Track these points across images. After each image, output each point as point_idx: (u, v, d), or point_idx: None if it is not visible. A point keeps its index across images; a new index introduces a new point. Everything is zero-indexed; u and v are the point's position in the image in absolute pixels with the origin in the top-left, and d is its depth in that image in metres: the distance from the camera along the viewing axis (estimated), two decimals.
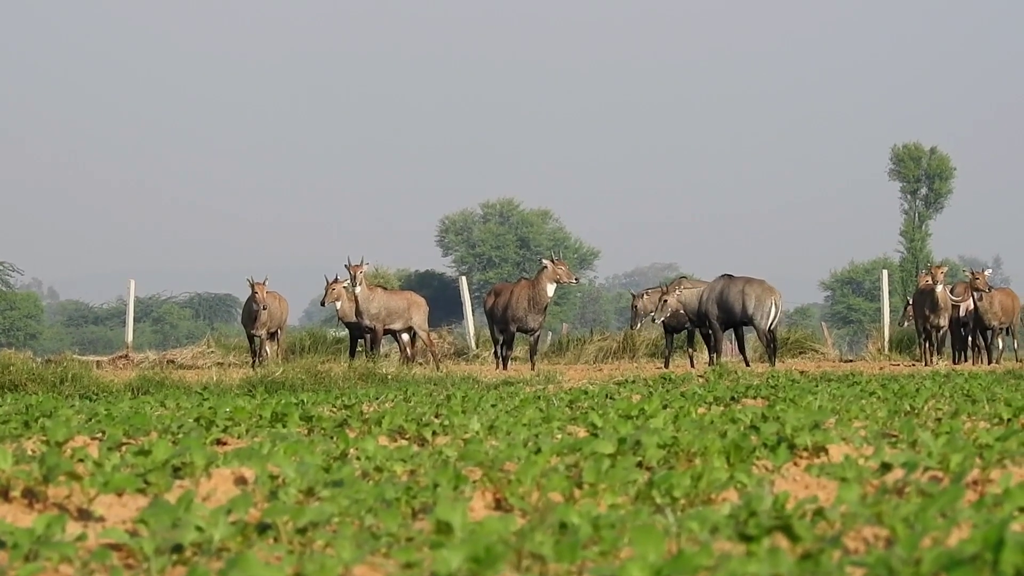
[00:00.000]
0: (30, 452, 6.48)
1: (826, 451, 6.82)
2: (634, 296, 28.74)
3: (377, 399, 12.69)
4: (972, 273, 28.80)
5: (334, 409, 10.75)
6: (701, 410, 9.80)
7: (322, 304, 28.87)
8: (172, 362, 32.22)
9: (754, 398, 12.13)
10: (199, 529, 4.49)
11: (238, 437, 8.24)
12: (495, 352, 28.19)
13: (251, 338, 28.70)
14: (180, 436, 7.75)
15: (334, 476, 5.44)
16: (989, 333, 28.76)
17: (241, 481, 5.87)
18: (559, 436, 7.66)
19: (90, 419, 9.44)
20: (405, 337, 28.07)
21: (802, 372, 20.57)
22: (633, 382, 16.85)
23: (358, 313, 27.37)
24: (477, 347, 34.85)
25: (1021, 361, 28.53)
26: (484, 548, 3.89)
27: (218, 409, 9.38)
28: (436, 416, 9.43)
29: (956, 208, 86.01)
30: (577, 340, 34.99)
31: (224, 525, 4.52)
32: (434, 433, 8.03)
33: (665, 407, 9.70)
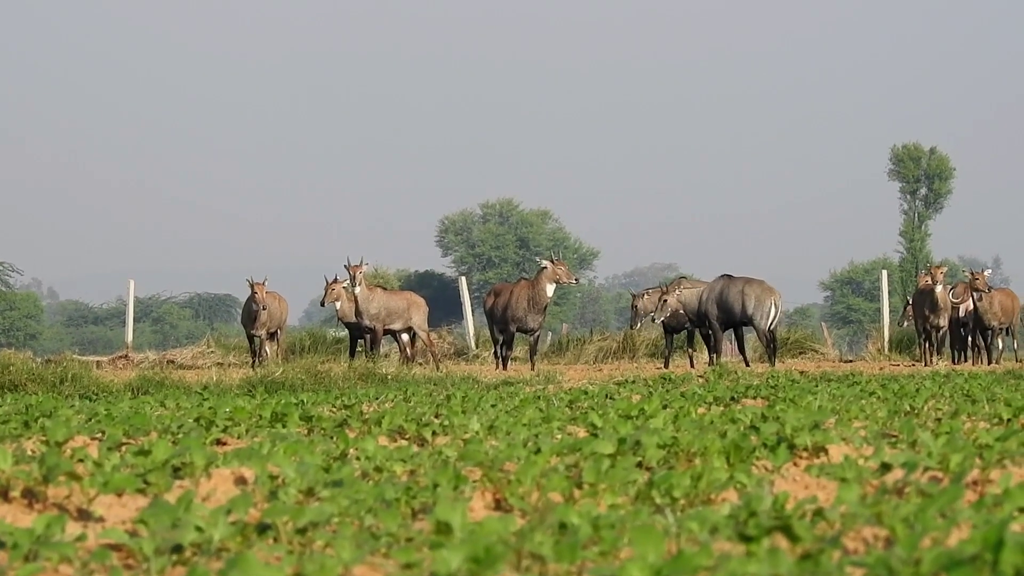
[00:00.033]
0: (30, 452, 6.48)
1: (826, 451, 6.82)
2: (634, 296, 28.74)
3: (377, 399, 12.69)
4: (972, 273, 28.81)
5: (334, 409, 10.75)
6: (701, 410, 9.80)
7: (322, 304, 28.87)
8: (172, 362, 32.22)
9: (754, 398, 12.13)
10: (199, 529, 4.49)
11: (238, 437, 8.24)
12: (495, 352, 28.19)
13: (251, 338, 28.69)
14: (180, 436, 7.75)
15: (334, 476, 5.44)
16: (989, 333, 28.77)
17: (241, 481, 5.87)
18: (559, 436, 7.66)
19: (90, 419, 9.44)
20: (405, 337, 28.07)
21: (802, 372, 20.57)
22: (633, 382, 16.85)
23: (358, 313, 27.37)
24: (477, 347, 34.85)
25: (1021, 361, 28.53)
26: (484, 548, 3.89)
27: (218, 409, 9.38)
28: (436, 416, 9.43)
29: (956, 208, 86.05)
30: (577, 340, 34.99)
31: (224, 525, 4.52)
32: (434, 433, 8.03)
33: (665, 407, 9.69)
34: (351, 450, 6.61)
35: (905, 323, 32.30)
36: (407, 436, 8.18)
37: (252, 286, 28.21)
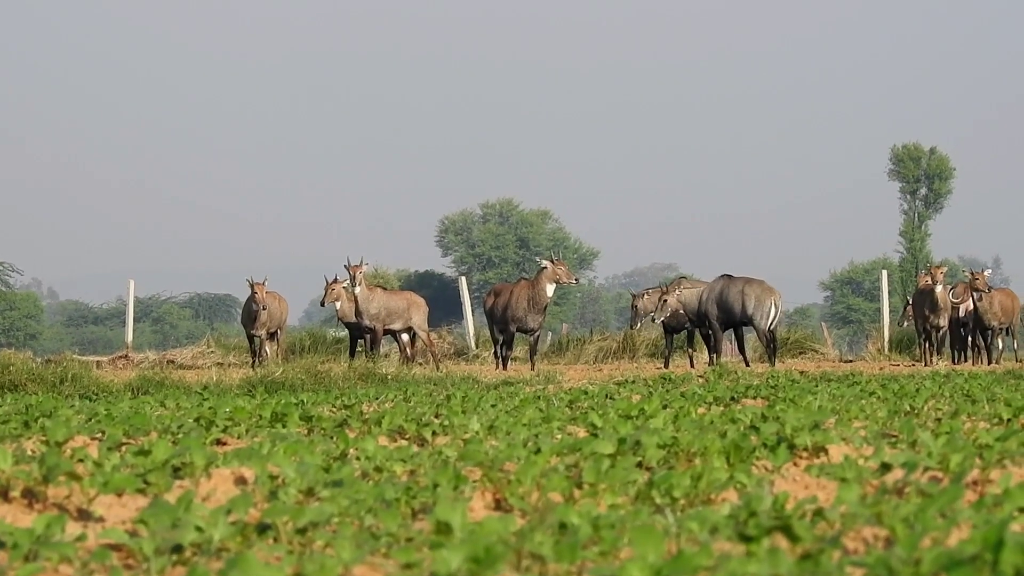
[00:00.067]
0: (30, 452, 6.48)
1: (826, 451, 6.82)
2: (634, 296, 28.73)
3: (377, 399, 12.69)
4: (972, 273, 28.80)
5: (334, 409, 10.75)
6: (701, 410, 9.80)
7: (322, 304, 28.87)
8: (172, 362, 32.22)
9: (754, 398, 12.13)
10: (199, 529, 4.49)
11: (238, 437, 8.24)
12: (495, 352, 28.19)
13: (251, 338, 28.69)
14: (180, 436, 7.75)
15: (334, 476, 5.44)
16: (989, 333, 28.77)
17: (241, 481, 5.87)
18: (559, 436, 7.66)
19: (90, 419, 9.44)
20: (405, 337, 28.07)
21: (802, 372, 20.57)
22: (633, 382, 16.85)
23: (358, 313, 27.37)
24: (477, 347, 34.84)
25: (1021, 361, 28.53)
26: (484, 548, 3.89)
27: (218, 409, 9.38)
28: (436, 416, 9.43)
29: (956, 208, 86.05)
30: (577, 340, 34.99)
31: (224, 525, 4.52)
32: (434, 433, 8.03)
33: (665, 407, 9.69)
34: (351, 450, 6.61)
35: (905, 323, 32.30)
36: (407, 436, 8.18)
37: (252, 286, 28.21)
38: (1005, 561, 3.57)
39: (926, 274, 29.36)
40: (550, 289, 27.37)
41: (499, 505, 5.60)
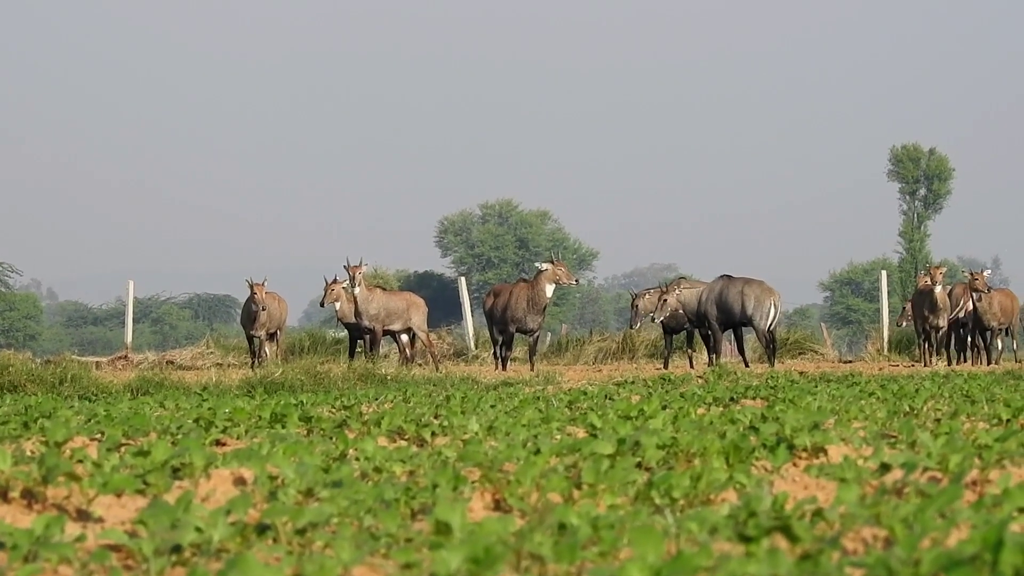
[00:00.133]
0: (29, 453, 6.48)
1: (825, 452, 6.82)
2: (634, 296, 28.73)
3: (376, 400, 12.69)
4: (971, 274, 28.80)
5: (333, 410, 10.75)
6: (700, 411, 9.80)
7: (321, 305, 28.87)
8: (171, 363, 32.22)
9: (753, 399, 12.13)
10: (198, 530, 4.49)
11: (237, 438, 8.24)
12: (494, 353, 28.19)
13: (250, 339, 28.69)
14: (179, 437, 7.75)
15: (333, 477, 5.44)
16: (988, 334, 28.77)
17: (240, 482, 5.87)
18: (558, 437, 7.66)
19: (89, 420, 9.44)
20: (404, 338, 28.07)
21: (801, 373, 20.57)
22: (632, 383, 16.85)
23: (357, 314, 27.37)
24: (476, 348, 34.85)
25: (1020, 362, 28.53)
26: (483, 549, 3.89)
27: (217, 410, 9.38)
28: (435, 417, 9.43)
29: (955, 209, 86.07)
30: (576, 341, 34.99)
31: (223, 526, 4.52)
32: (433, 434, 8.03)
33: (664, 408, 9.70)
34: (350, 451, 6.61)
35: (904, 323, 32.31)
36: (406, 437, 8.18)
37: (251, 287, 28.21)
38: (1004, 561, 3.57)
39: (925, 275, 29.36)
40: (549, 290, 27.37)
41: (498, 505, 5.60)
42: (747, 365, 26.31)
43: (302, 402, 11.54)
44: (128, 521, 5.05)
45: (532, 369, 25.83)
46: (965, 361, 28.77)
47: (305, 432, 8.47)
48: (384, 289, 29.37)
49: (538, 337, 28.70)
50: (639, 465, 6.19)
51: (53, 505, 5.38)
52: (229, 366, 30.56)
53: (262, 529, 4.64)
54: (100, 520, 5.26)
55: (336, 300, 27.87)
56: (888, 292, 36.61)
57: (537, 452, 6.13)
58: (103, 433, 7.84)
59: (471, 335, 35.76)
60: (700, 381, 17.55)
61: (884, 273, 36.69)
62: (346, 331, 29.53)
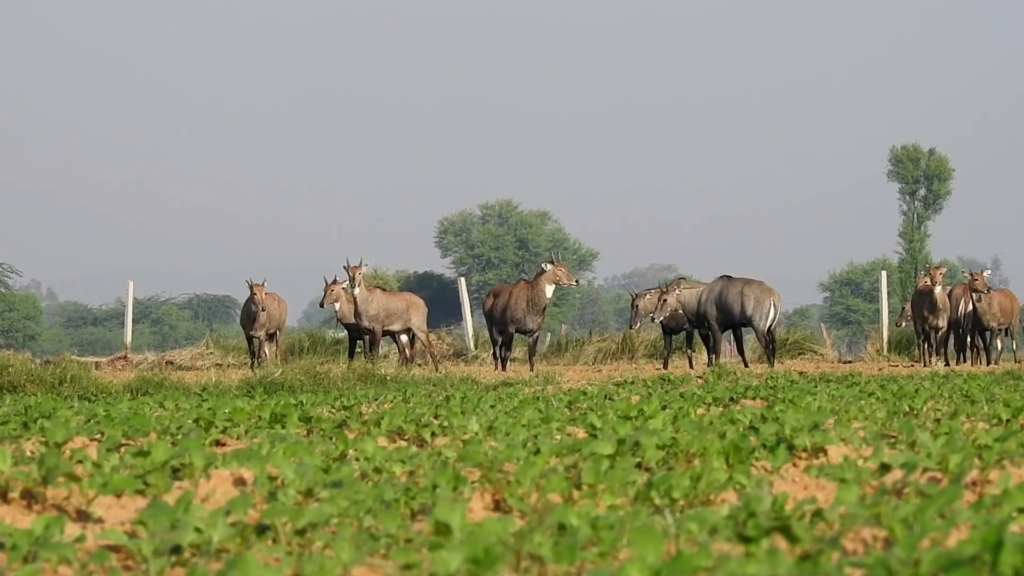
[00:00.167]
0: (29, 453, 6.47)
1: (825, 452, 6.81)
2: (634, 296, 28.73)
3: (376, 400, 12.69)
4: (971, 274, 28.80)
5: (333, 410, 10.75)
6: (700, 411, 9.79)
7: (321, 305, 28.86)
8: (171, 363, 32.21)
9: (753, 399, 12.13)
10: (198, 530, 4.49)
11: (237, 438, 8.24)
12: (494, 353, 28.18)
13: (250, 339, 28.68)
14: (179, 437, 7.75)
15: (333, 477, 5.44)
16: (988, 334, 28.77)
17: (240, 482, 5.87)
18: (558, 437, 7.66)
19: (89, 420, 9.44)
20: (404, 338, 28.06)
21: (801, 373, 20.56)
22: (632, 383, 16.84)
23: (357, 314, 27.37)
24: (476, 348, 34.84)
25: (1020, 362, 28.53)
26: (483, 549, 3.89)
27: (217, 410, 9.38)
28: (435, 417, 9.43)
29: (955, 209, 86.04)
30: (576, 341, 34.99)
31: (223, 526, 4.52)
32: (433, 434, 8.03)
33: (664, 408, 9.69)
34: (350, 451, 6.61)
35: (903, 323, 32.30)
36: (406, 437, 8.18)
37: (251, 287, 28.20)
38: (1004, 562, 3.57)
39: (925, 275, 29.35)
40: (549, 290, 27.36)
41: (498, 506, 5.60)
42: (747, 365, 26.31)
43: (302, 402, 11.54)
44: (128, 522, 5.05)
45: (532, 369, 25.82)
46: (965, 361, 28.76)
47: (305, 432, 8.47)
48: (384, 289, 29.36)
49: (538, 337, 28.69)
50: (639, 465, 6.19)
51: (53, 506, 5.38)
52: (229, 366, 30.54)
53: (262, 529, 4.64)
54: (100, 521, 5.26)
55: (336, 300, 27.87)
56: (888, 292, 36.60)
57: (537, 452, 6.13)
58: (103, 433, 7.84)
59: (471, 335, 35.75)
60: (700, 381, 17.54)
61: (884, 273, 36.68)
62: (346, 331, 29.53)
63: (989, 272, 29.30)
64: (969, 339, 29.26)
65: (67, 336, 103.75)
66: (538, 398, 12.45)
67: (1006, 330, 29.66)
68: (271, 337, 28.85)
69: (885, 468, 5.83)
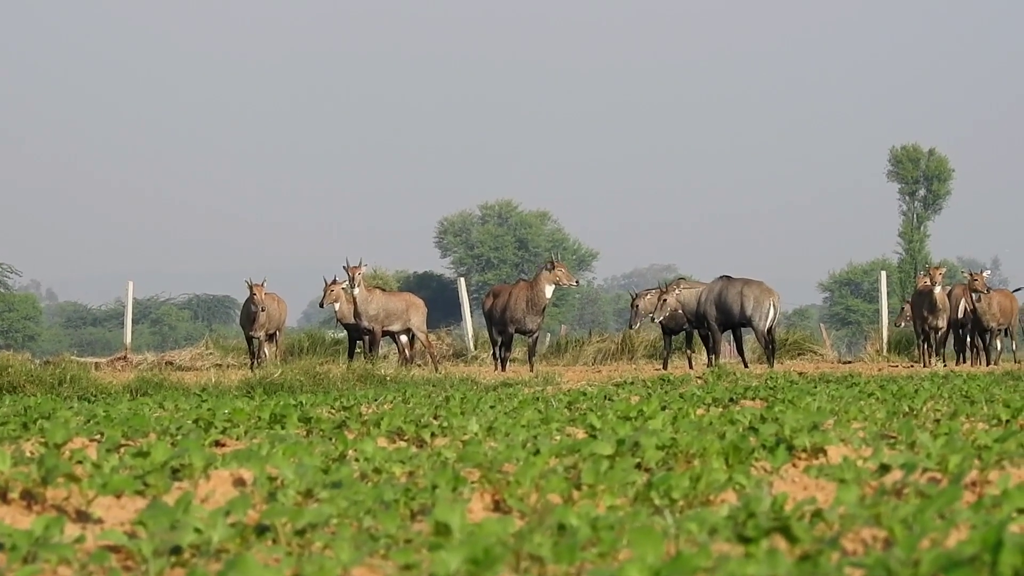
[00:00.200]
0: (29, 454, 6.47)
1: (825, 452, 6.81)
2: (634, 296, 28.72)
3: (376, 400, 12.69)
4: (970, 275, 28.80)
5: (333, 410, 10.75)
6: (700, 411, 9.79)
7: (320, 305, 28.86)
8: (170, 363, 32.21)
9: (753, 399, 12.13)
10: (198, 531, 4.49)
11: (237, 439, 8.24)
12: (493, 353, 28.18)
13: (249, 340, 28.67)
14: (179, 438, 7.75)
15: (333, 477, 5.44)
16: (987, 334, 28.77)
17: (240, 483, 5.87)
18: (558, 437, 7.66)
19: (89, 421, 9.44)
20: (404, 339, 28.06)
21: (801, 373, 20.56)
22: (631, 383, 16.84)
23: (356, 315, 27.36)
24: (475, 348, 34.83)
25: (1019, 362, 28.53)
26: (483, 549, 3.89)
27: (216, 411, 9.38)
28: (435, 417, 9.43)
29: (955, 209, 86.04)
30: (575, 341, 34.98)
31: (223, 527, 4.52)
32: (433, 434, 8.03)
33: (664, 408, 9.69)
34: (350, 451, 6.61)
35: (903, 324, 32.30)
36: (406, 437, 8.18)
37: (251, 287, 28.20)
38: (1004, 562, 3.57)
39: (925, 275, 29.35)
40: (549, 290, 27.36)
41: (498, 506, 5.60)
42: (746, 366, 26.31)
43: (301, 403, 11.54)
44: (128, 522, 5.05)
45: (531, 370, 25.82)
46: (964, 362, 28.76)
47: (304, 433, 8.47)
48: (383, 290, 29.35)
49: (537, 338, 28.69)
50: (638, 466, 6.19)
51: (52, 506, 5.38)
52: (228, 367, 30.54)
53: (261, 530, 4.64)
54: (99, 521, 5.26)
55: (335, 301, 27.87)
56: (887, 293, 36.60)
57: (536, 453, 6.13)
58: (102, 434, 7.84)
59: (470, 336, 35.75)
60: (699, 382, 17.54)
61: (884, 274, 36.67)
62: (345, 332, 29.52)
63: (989, 272, 29.29)
64: (969, 339, 29.26)
65: (67, 336, 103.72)
66: (538, 399, 12.45)
67: (1006, 330, 29.66)
68: (271, 337, 28.84)
69: (885, 468, 5.83)
